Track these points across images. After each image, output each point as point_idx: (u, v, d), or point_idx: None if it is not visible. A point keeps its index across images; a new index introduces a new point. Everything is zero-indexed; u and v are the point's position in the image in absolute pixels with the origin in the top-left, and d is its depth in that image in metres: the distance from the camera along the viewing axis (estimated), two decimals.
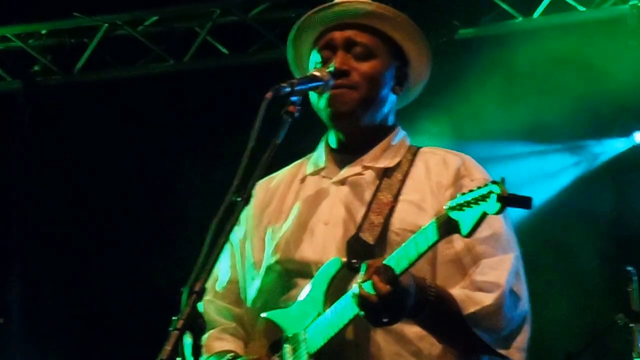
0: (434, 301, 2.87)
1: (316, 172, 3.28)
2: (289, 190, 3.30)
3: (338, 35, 3.20)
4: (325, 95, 3.15)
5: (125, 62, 7.88)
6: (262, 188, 3.29)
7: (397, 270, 2.77)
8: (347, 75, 3.15)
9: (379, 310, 2.79)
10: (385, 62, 3.21)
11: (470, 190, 2.66)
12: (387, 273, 2.77)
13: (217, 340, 3.26)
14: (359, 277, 2.83)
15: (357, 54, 3.18)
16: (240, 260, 3.31)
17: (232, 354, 3.20)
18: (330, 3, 3.24)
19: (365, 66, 3.17)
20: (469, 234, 2.67)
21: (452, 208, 2.69)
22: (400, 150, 3.24)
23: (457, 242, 3.01)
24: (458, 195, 2.70)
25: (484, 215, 2.62)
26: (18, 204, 7.99)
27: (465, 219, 2.65)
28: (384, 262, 2.80)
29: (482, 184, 2.72)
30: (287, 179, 3.34)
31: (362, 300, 2.78)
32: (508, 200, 2.58)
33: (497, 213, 2.58)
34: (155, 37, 7.75)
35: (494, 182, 2.60)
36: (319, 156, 3.31)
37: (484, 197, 2.61)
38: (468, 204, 2.65)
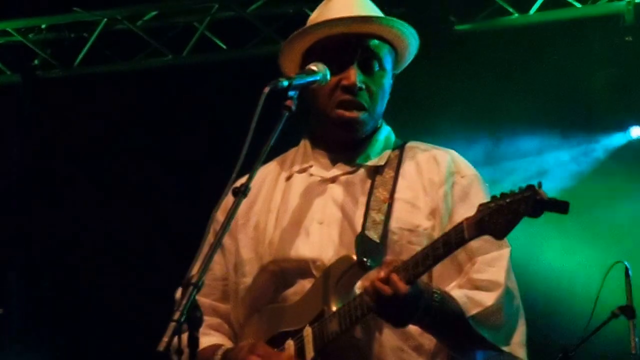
0: (438, 306, 2.89)
1: (303, 170, 3.26)
2: (275, 188, 3.27)
3: (356, 44, 3.17)
4: (336, 114, 3.15)
5: (124, 57, 7.89)
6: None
7: (420, 269, 2.81)
8: (360, 92, 3.15)
9: (393, 308, 2.82)
10: (389, 76, 3.24)
11: (503, 194, 2.70)
12: (407, 272, 2.81)
13: (202, 336, 3.17)
14: (374, 273, 2.86)
15: (372, 68, 3.18)
16: (227, 257, 3.28)
17: (223, 347, 3.18)
18: (351, 16, 3.18)
19: (378, 83, 3.18)
20: (501, 237, 2.73)
21: (485, 210, 2.73)
22: (387, 146, 3.25)
23: None
24: (489, 198, 2.74)
25: (519, 219, 2.66)
26: (18, 197, 8.01)
27: (500, 221, 2.69)
28: (406, 260, 2.84)
29: (471, 179, 2.89)
30: (271, 176, 3.31)
31: (378, 296, 2.81)
32: (547, 205, 2.62)
33: (534, 217, 2.63)
34: (154, 32, 7.76)
35: (530, 186, 2.64)
36: (305, 153, 3.30)
37: (521, 201, 2.64)
38: (503, 207, 2.68)
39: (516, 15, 7.09)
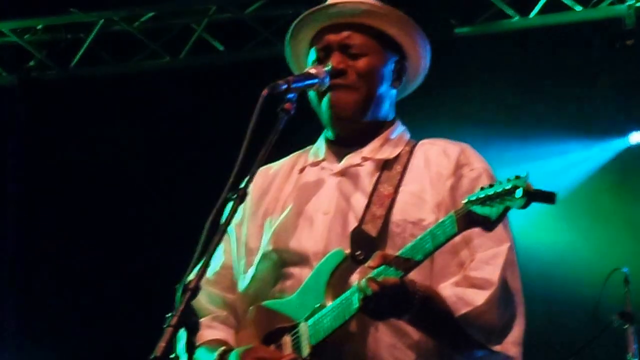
0: (420, 304, 2.86)
1: (316, 163, 3.29)
2: (288, 180, 3.30)
3: (333, 37, 3.20)
4: (326, 99, 3.18)
5: (120, 58, 7.87)
6: (260, 175, 3.26)
7: (411, 263, 2.81)
8: (344, 74, 3.16)
9: (383, 303, 2.81)
10: (380, 58, 3.22)
11: (491, 185, 2.68)
12: (399, 265, 2.80)
13: (207, 329, 3.23)
14: (365, 267, 2.86)
15: (351, 54, 3.19)
16: (235, 246, 3.30)
17: (223, 347, 3.17)
18: (325, 4, 3.25)
19: (360, 64, 3.18)
20: (491, 228, 2.70)
21: (473, 202, 2.71)
22: (399, 143, 3.25)
23: None
24: (478, 189, 2.72)
25: (507, 210, 2.64)
26: (13, 199, 7.99)
27: (488, 213, 2.67)
28: (397, 254, 2.83)
29: (479, 172, 2.91)
30: (285, 168, 3.34)
31: (365, 291, 2.80)
32: (533, 196, 2.59)
33: (522, 208, 2.60)
34: (151, 33, 7.75)
35: (518, 177, 2.62)
36: (319, 148, 3.32)
37: (508, 192, 2.62)
38: (490, 198, 2.66)
39: (517, 18, 7.09)
